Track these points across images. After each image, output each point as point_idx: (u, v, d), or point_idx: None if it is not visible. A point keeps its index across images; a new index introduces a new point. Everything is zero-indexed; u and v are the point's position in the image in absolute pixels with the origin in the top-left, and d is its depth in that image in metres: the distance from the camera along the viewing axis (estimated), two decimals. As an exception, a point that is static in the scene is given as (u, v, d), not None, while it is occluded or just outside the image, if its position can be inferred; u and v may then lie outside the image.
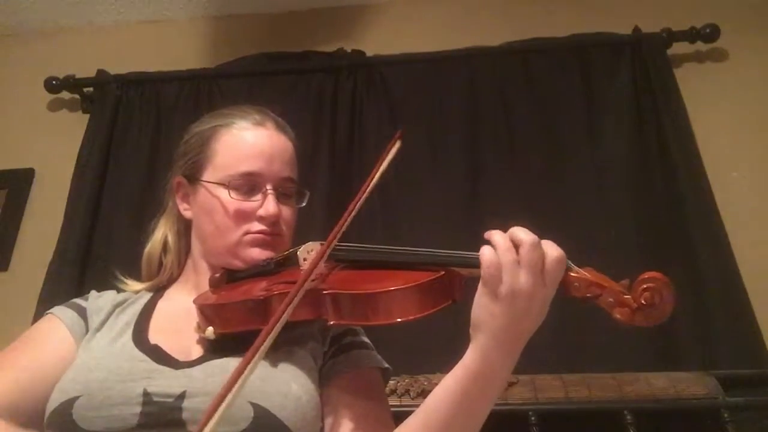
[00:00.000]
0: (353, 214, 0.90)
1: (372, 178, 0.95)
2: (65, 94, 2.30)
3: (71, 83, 2.25)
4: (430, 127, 2.05)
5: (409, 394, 1.48)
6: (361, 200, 0.92)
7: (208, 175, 1.01)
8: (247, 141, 1.01)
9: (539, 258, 0.74)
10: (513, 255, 0.74)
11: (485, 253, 0.75)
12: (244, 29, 2.37)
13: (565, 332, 1.62)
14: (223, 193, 0.98)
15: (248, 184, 0.98)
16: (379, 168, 0.97)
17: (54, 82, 2.25)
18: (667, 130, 1.93)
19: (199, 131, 1.05)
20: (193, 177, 1.03)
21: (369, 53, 2.19)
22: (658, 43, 2.06)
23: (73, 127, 2.24)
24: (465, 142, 2.01)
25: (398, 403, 1.43)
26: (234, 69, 2.24)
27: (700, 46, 2.09)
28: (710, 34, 2.05)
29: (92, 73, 2.26)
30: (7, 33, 2.45)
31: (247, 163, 0.99)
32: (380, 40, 2.25)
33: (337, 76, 2.16)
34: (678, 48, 2.09)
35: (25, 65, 2.39)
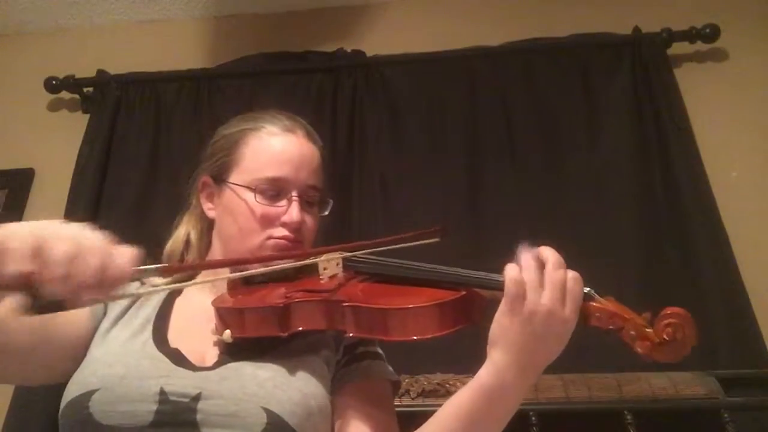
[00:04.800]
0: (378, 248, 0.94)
1: (402, 241, 0.98)
2: (65, 94, 2.30)
3: (71, 83, 2.25)
4: (430, 127, 2.05)
5: (409, 394, 1.47)
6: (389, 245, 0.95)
7: (235, 177, 1.01)
8: (276, 147, 1.01)
9: (562, 278, 0.75)
10: (538, 273, 0.76)
11: (509, 269, 0.77)
12: (244, 29, 2.37)
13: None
14: (248, 196, 0.98)
15: (274, 189, 0.99)
16: (409, 242, 0.99)
17: (54, 82, 2.25)
18: (667, 130, 1.93)
19: (227, 133, 1.06)
20: (220, 178, 1.03)
21: (369, 53, 2.19)
22: (658, 43, 2.06)
23: (73, 127, 2.24)
24: (465, 141, 2.01)
25: (398, 403, 1.42)
26: (234, 69, 2.24)
27: (700, 46, 2.09)
28: (710, 34, 2.04)
29: (92, 73, 2.26)
30: (7, 33, 2.46)
31: (274, 168, 0.99)
32: (380, 40, 2.24)
33: (337, 76, 2.15)
34: (678, 48, 2.09)
35: (25, 65, 2.39)
